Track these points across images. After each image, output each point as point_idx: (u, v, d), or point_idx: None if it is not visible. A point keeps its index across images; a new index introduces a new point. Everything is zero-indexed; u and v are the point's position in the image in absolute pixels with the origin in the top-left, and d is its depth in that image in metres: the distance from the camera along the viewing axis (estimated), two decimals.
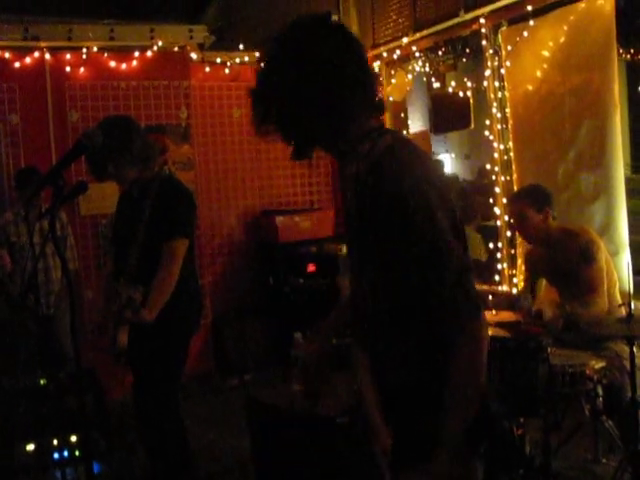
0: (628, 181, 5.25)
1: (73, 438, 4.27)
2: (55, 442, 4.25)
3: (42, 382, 4.43)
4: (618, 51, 5.06)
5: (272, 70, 1.76)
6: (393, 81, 6.86)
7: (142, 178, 3.46)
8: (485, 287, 5.61)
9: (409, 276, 1.71)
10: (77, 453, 4.23)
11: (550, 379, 3.40)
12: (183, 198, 3.48)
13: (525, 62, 5.35)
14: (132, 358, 3.43)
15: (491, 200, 5.70)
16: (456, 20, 5.82)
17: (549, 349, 3.44)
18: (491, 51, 5.60)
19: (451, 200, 1.76)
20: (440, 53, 6.24)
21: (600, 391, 3.61)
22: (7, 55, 5.98)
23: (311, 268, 6.55)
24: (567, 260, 4.03)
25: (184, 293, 3.39)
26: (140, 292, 3.30)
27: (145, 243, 3.38)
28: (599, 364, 3.61)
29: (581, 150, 5.00)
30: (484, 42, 5.64)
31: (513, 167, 5.56)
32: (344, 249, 6.35)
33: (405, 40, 6.40)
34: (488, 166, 5.95)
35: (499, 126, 5.62)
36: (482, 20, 5.57)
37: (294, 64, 1.71)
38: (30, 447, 4.25)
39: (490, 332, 3.54)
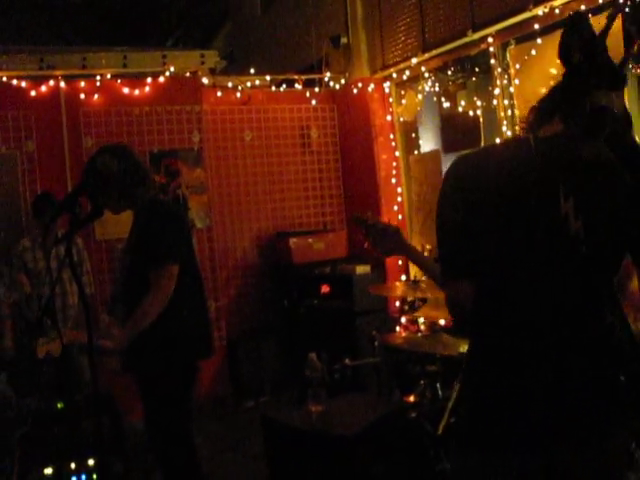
0: None
1: (90, 462, 4.29)
2: (73, 466, 4.28)
3: (59, 406, 4.46)
4: (628, 66, 5.08)
5: None
6: (403, 101, 6.92)
7: (140, 204, 3.41)
8: None
9: None
10: (94, 477, 4.25)
11: None
12: (167, 223, 3.35)
13: (534, 80, 5.37)
14: (138, 381, 3.42)
15: None
16: (464, 40, 5.87)
17: None
18: (500, 70, 5.64)
19: None
20: (449, 73, 6.29)
21: None
22: (23, 84, 6.09)
23: (325, 289, 6.57)
24: None
25: (182, 318, 3.32)
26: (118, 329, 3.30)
27: (132, 271, 3.34)
28: None
29: None
30: (493, 61, 5.68)
31: None
32: (358, 269, 6.36)
33: (414, 61, 6.45)
34: None
35: None
36: (490, 39, 5.61)
37: None
38: (48, 471, 4.28)
39: None
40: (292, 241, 6.80)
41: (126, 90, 6.42)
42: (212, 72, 6.94)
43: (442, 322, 4.90)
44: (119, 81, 6.40)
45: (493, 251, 1.89)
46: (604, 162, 1.88)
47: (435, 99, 6.64)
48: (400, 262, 7.00)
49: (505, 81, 5.63)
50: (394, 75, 6.86)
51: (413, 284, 4.49)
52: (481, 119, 6.36)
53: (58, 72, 6.19)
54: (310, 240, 6.88)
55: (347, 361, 4.20)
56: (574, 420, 1.82)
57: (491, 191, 1.88)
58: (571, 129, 1.92)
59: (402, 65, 6.69)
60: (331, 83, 7.28)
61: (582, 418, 1.82)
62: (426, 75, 6.44)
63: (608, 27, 1.97)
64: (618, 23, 4.67)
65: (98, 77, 6.31)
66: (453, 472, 2.19)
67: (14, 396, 4.63)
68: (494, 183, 1.88)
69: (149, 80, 6.49)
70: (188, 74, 6.69)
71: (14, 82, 6.07)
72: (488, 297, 1.90)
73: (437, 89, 6.47)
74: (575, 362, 1.83)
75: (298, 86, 7.23)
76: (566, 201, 1.83)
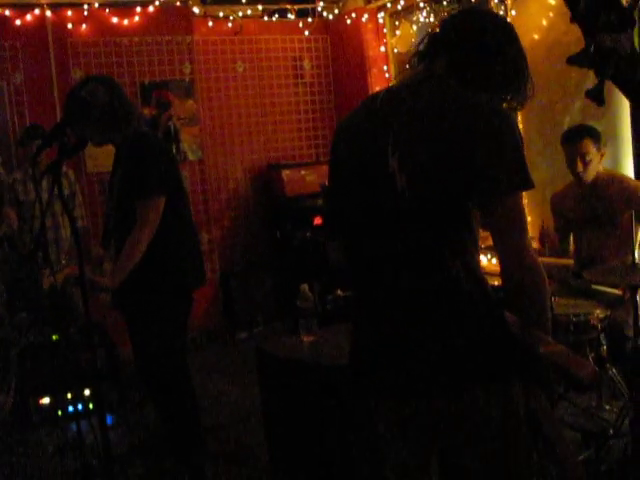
0: None
1: (86, 391, 4.37)
2: (69, 396, 4.36)
3: (54, 338, 4.52)
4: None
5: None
6: (398, 32, 6.80)
7: (123, 137, 3.36)
8: None
9: None
10: (90, 406, 4.34)
11: (554, 328, 3.42)
12: (153, 155, 3.29)
13: (531, 11, 5.29)
14: (128, 315, 3.43)
15: None
16: None
17: (553, 298, 3.47)
18: (496, 0, 5.53)
19: None
20: (445, 3, 6.16)
21: (604, 340, 3.64)
22: (7, 13, 5.94)
23: (317, 221, 6.58)
24: (610, 205, 3.94)
25: (172, 248, 3.33)
26: (109, 263, 3.31)
27: (120, 205, 3.33)
28: (603, 313, 3.63)
29: (587, 99, 4.97)
30: None
31: (519, 117, 5.53)
32: None
33: None
34: None
35: None
36: None
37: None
38: (45, 400, 4.36)
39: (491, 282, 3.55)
40: (285, 173, 6.78)
41: (115, 20, 6.28)
42: (203, 1, 6.79)
43: None
44: (107, 10, 6.26)
45: (344, 212, 1.97)
46: (437, 113, 1.76)
47: (430, 30, 6.51)
48: None
49: (501, 12, 5.52)
50: (388, 5, 6.72)
51: None
52: None
53: (43, 0, 6.04)
54: (303, 172, 6.85)
55: (339, 292, 4.25)
56: (421, 370, 1.82)
57: (341, 152, 1.96)
58: (430, 72, 1.94)
59: None
60: (324, 13, 7.14)
61: (426, 369, 1.81)
62: (421, 5, 6.31)
63: None
64: None
65: (85, 6, 6.16)
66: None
67: (7, 314, 4.67)
68: (343, 144, 1.97)
69: (138, 9, 6.35)
70: (178, 3, 6.54)
71: None
72: (348, 255, 2.01)
73: (432, 20, 6.35)
74: (415, 313, 1.84)
75: (291, 16, 7.09)
76: (393, 156, 1.80)
